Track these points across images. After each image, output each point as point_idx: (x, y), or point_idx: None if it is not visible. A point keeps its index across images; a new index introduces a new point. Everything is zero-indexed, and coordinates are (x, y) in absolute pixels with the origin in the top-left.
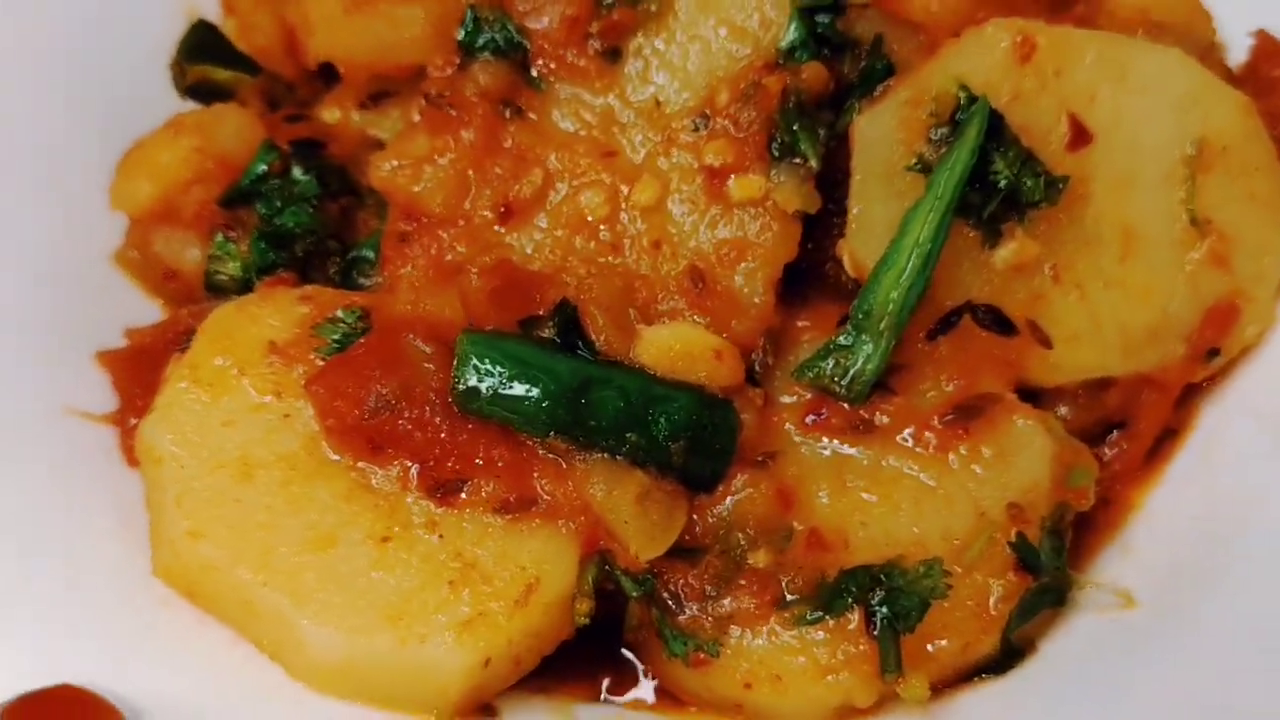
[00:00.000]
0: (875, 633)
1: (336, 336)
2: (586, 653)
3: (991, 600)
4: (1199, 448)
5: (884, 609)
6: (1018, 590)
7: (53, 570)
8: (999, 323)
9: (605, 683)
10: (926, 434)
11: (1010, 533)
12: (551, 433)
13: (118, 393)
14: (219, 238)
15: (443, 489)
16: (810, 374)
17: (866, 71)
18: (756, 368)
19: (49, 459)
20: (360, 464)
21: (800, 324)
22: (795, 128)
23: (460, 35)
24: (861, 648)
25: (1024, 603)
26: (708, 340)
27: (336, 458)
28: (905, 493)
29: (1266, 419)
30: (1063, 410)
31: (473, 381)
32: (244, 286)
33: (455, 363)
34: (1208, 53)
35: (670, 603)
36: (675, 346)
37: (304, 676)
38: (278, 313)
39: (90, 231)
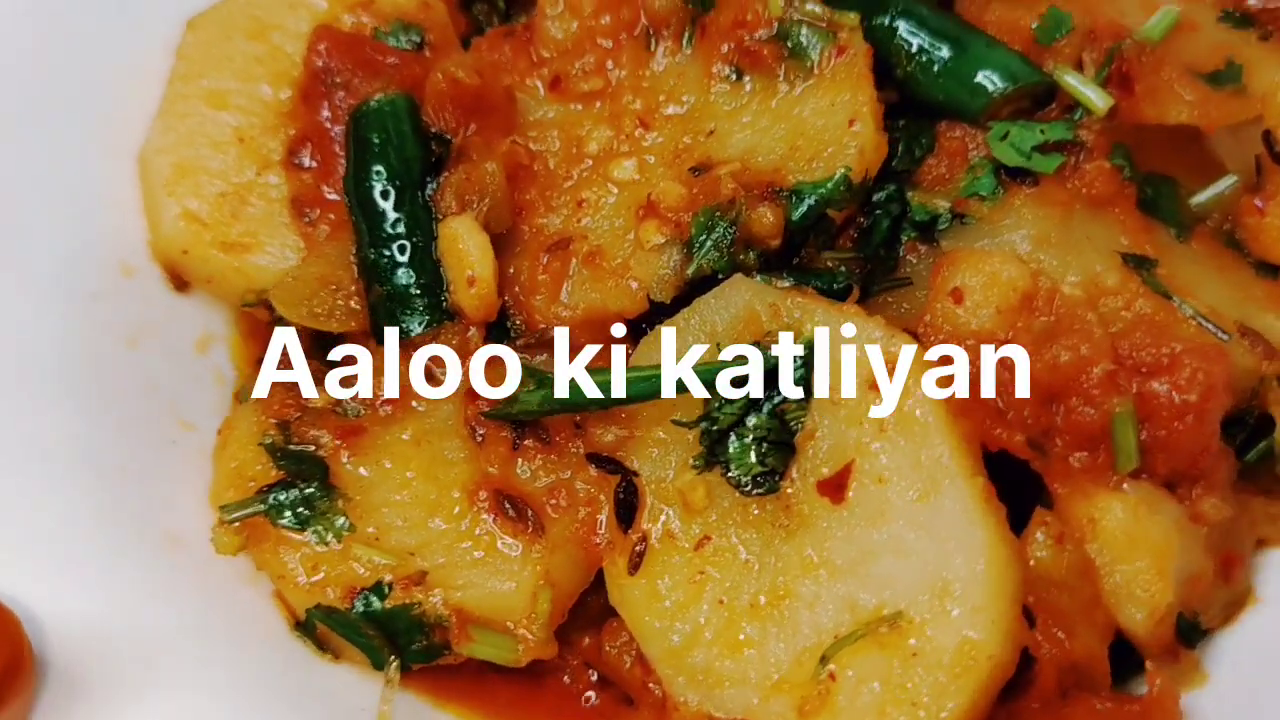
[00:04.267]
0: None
1: (392, 31)
2: None
3: None
4: None
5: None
6: None
7: None
8: (625, 507)
9: None
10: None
11: None
12: (351, 200)
13: None
14: None
15: (294, 158)
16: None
17: (828, 278)
18: (510, 328)
19: None
20: (294, 106)
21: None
22: (708, 232)
23: None
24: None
25: None
26: (482, 269)
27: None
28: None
29: None
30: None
31: (366, 114)
32: None
33: (378, 95)
34: None
35: None
36: (458, 245)
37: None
38: None
39: None
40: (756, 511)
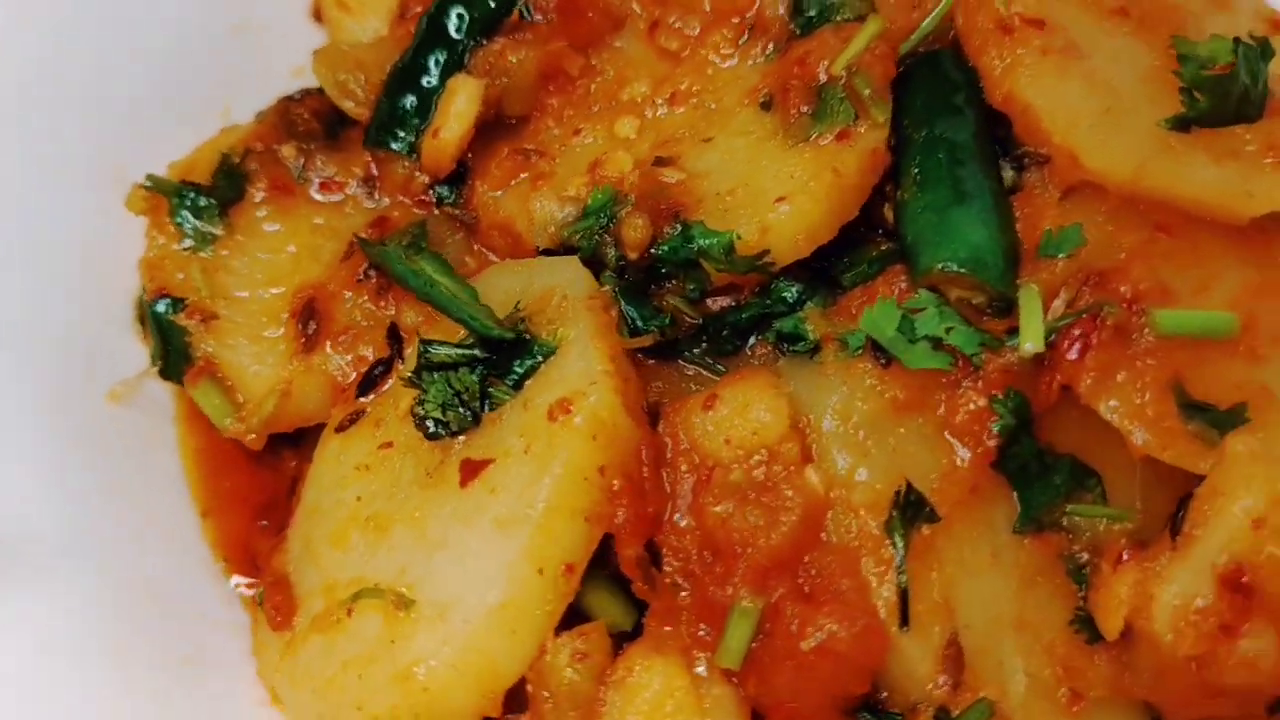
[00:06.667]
0: None
1: None
2: None
3: None
4: None
5: None
6: None
7: None
8: (371, 379)
9: None
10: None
11: None
12: (424, 16)
13: None
14: None
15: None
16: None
17: (648, 314)
18: (454, 194)
19: None
20: None
21: None
22: (595, 213)
23: None
24: None
25: None
26: (449, 130)
27: None
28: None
29: None
30: None
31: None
32: None
33: None
34: None
35: None
36: (450, 99)
37: None
38: None
39: None
40: (425, 449)
